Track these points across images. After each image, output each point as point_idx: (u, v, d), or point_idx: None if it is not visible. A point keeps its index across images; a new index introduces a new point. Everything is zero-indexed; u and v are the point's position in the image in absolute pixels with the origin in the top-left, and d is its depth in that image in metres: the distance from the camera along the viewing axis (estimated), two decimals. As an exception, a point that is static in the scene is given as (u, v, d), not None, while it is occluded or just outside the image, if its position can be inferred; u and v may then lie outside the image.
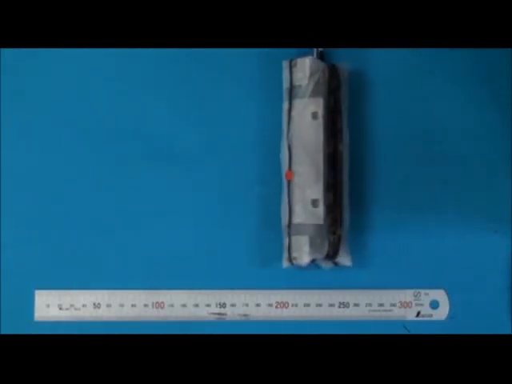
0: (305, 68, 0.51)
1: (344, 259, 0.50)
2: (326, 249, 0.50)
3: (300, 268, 0.50)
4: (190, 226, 0.52)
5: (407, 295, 0.52)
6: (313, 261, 0.50)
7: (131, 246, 0.52)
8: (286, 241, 0.50)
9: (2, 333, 0.51)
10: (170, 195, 0.52)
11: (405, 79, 0.53)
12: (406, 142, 0.53)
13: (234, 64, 0.53)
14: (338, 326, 0.51)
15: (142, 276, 0.52)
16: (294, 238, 0.50)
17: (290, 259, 0.50)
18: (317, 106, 0.50)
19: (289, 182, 0.50)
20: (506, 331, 0.51)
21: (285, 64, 0.51)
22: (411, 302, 0.52)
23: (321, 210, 0.50)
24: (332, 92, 0.51)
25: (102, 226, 0.52)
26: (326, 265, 0.50)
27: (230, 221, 0.52)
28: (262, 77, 0.53)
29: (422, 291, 0.52)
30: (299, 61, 0.51)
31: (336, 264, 0.50)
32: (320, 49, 0.52)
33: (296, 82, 0.51)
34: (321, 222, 0.50)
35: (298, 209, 0.50)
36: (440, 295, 0.52)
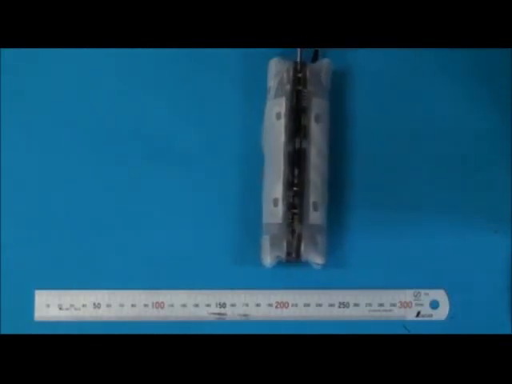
0: (271, 70, 0.51)
1: (314, 257, 0.50)
2: (285, 248, 0.50)
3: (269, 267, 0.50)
4: (190, 225, 0.52)
5: (407, 295, 0.52)
6: (289, 261, 0.50)
7: (131, 246, 0.52)
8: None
9: (2, 333, 0.51)
10: (169, 195, 0.52)
11: (405, 79, 0.53)
12: (405, 142, 0.53)
13: (232, 64, 0.53)
14: (338, 325, 0.51)
15: (141, 276, 0.52)
16: (263, 238, 0.50)
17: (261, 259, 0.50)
18: (280, 106, 0.50)
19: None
20: (506, 331, 0.51)
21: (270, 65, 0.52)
22: (411, 302, 0.52)
23: (280, 208, 0.50)
24: (295, 91, 0.51)
25: (102, 225, 0.52)
26: (317, 264, 0.50)
27: (231, 220, 0.52)
28: (259, 77, 0.53)
29: (422, 291, 0.52)
30: (270, 62, 0.51)
31: (309, 263, 0.50)
32: (304, 49, 0.52)
33: (269, 83, 0.51)
34: (280, 220, 0.50)
35: (264, 209, 0.50)
36: (440, 295, 0.52)
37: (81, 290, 0.52)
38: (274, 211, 0.50)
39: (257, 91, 0.53)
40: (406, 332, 0.51)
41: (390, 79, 0.53)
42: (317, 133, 0.51)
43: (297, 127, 0.50)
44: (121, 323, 0.52)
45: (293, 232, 0.50)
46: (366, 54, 0.53)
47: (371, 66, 0.53)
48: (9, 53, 0.53)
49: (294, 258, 0.50)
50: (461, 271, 0.52)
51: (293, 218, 0.50)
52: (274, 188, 0.50)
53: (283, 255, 0.50)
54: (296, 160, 0.50)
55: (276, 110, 0.51)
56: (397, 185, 0.52)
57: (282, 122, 0.50)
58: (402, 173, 0.53)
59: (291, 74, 0.51)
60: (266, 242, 0.50)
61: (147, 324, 0.52)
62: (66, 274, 0.52)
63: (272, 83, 0.51)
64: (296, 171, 0.50)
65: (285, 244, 0.50)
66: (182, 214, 0.52)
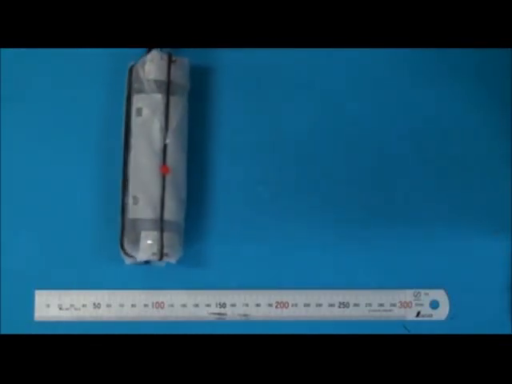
0: (185, 67, 0.51)
1: (176, 255, 0.50)
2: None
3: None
4: (189, 225, 0.52)
5: (407, 295, 0.52)
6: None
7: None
8: (154, 234, 0.49)
9: (2, 333, 0.51)
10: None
11: (405, 79, 0.53)
12: (405, 142, 0.53)
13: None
14: (338, 325, 0.51)
15: (142, 276, 0.52)
16: (166, 235, 0.50)
17: (161, 255, 0.49)
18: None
19: (163, 177, 0.50)
20: (506, 331, 0.51)
21: (158, 56, 0.51)
22: (411, 302, 0.52)
23: (184, 209, 0.51)
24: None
25: (102, 225, 0.52)
26: (159, 262, 0.50)
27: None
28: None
29: (422, 291, 0.52)
30: (179, 59, 0.51)
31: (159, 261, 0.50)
32: (162, 49, 0.51)
33: (174, 79, 0.51)
34: (183, 221, 0.51)
35: (172, 206, 0.50)
36: (440, 295, 0.52)
37: (81, 290, 0.52)
38: (182, 212, 0.51)
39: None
40: (406, 332, 0.51)
41: (390, 79, 0.53)
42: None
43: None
44: (121, 323, 0.52)
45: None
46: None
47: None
48: (9, 53, 0.53)
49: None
50: (461, 271, 0.52)
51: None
52: (184, 187, 0.51)
53: (181, 253, 0.50)
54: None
55: (186, 109, 0.51)
56: (397, 185, 0.52)
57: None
58: (401, 173, 0.53)
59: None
60: (176, 241, 0.50)
61: (147, 324, 0.52)
62: (66, 274, 0.52)
63: (185, 81, 0.51)
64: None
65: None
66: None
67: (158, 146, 0.50)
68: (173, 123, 0.50)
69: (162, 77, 0.50)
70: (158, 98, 0.50)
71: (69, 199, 0.52)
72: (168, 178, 0.50)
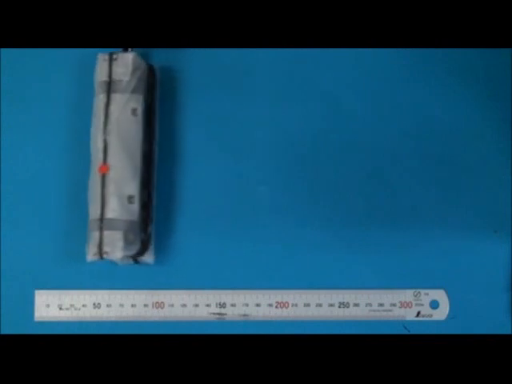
0: (128, 63, 0.51)
1: (147, 257, 0.51)
2: (138, 246, 0.50)
3: (111, 262, 0.50)
4: (190, 225, 0.52)
5: (407, 295, 0.52)
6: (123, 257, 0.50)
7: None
8: (96, 235, 0.50)
9: (2, 333, 0.51)
10: (169, 193, 0.52)
11: (404, 79, 0.53)
12: (405, 141, 0.53)
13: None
14: (338, 325, 0.51)
15: (142, 276, 0.52)
16: (106, 233, 0.49)
17: (101, 254, 0.49)
18: (137, 102, 0.51)
19: (103, 176, 0.50)
20: (506, 331, 0.51)
21: (102, 57, 0.51)
22: (411, 302, 0.52)
23: (136, 206, 0.50)
24: (150, 91, 0.51)
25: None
26: (128, 262, 0.50)
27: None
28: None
29: (422, 291, 0.52)
30: (121, 55, 0.51)
31: (137, 262, 0.51)
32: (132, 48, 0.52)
33: (116, 77, 0.51)
34: (135, 218, 0.50)
35: (112, 203, 0.50)
36: (440, 295, 0.52)
37: (81, 290, 0.52)
38: (129, 208, 0.50)
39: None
40: (406, 332, 0.51)
41: (390, 79, 0.53)
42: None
43: (150, 128, 0.51)
44: (121, 323, 0.52)
45: (144, 231, 0.50)
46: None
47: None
48: (9, 53, 0.53)
49: (138, 255, 0.50)
50: (461, 271, 0.52)
51: (146, 217, 0.51)
52: (130, 185, 0.50)
53: (133, 253, 0.50)
54: (148, 160, 0.51)
55: (132, 105, 0.51)
56: (396, 185, 0.52)
57: (140, 119, 0.50)
58: (401, 173, 0.53)
59: (146, 72, 0.51)
60: (115, 237, 0.49)
61: (147, 324, 0.52)
62: (66, 274, 0.52)
63: (127, 78, 0.51)
64: (147, 171, 0.51)
65: (138, 242, 0.50)
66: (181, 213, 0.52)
67: (100, 145, 0.50)
68: (112, 121, 0.50)
69: (105, 77, 0.51)
70: (101, 98, 0.51)
71: (69, 199, 0.52)
72: (108, 176, 0.50)
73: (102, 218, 0.50)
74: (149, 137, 0.51)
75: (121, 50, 0.51)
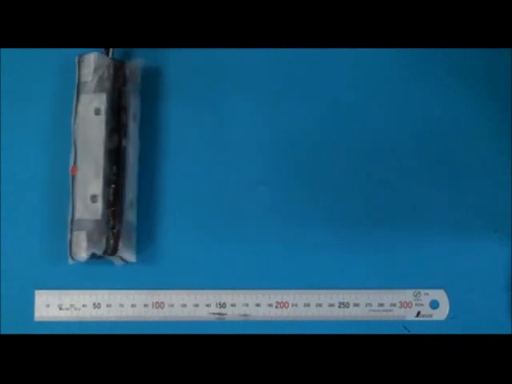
0: (90, 63, 0.51)
1: (127, 255, 0.50)
2: (103, 244, 0.50)
3: (80, 263, 0.50)
4: (190, 225, 0.52)
5: (407, 295, 0.52)
6: (100, 257, 0.50)
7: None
8: (69, 236, 0.50)
9: (2, 333, 0.51)
10: (168, 193, 0.52)
11: (404, 79, 0.53)
12: (405, 142, 0.53)
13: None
14: (338, 325, 0.51)
15: (142, 276, 0.52)
16: (74, 234, 0.50)
17: (72, 255, 0.50)
18: (100, 101, 0.51)
19: (73, 178, 0.51)
20: (506, 331, 0.51)
21: (76, 60, 0.52)
22: (411, 302, 0.52)
23: (99, 205, 0.50)
24: (117, 88, 0.51)
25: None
26: (117, 261, 0.51)
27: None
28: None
29: (422, 291, 0.52)
30: (86, 57, 0.51)
31: (124, 261, 0.51)
32: (111, 48, 0.52)
33: (83, 78, 0.51)
34: (99, 217, 0.50)
35: (78, 204, 0.50)
36: (440, 295, 0.52)
37: (81, 289, 0.52)
38: (92, 207, 0.50)
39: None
40: (406, 332, 0.51)
41: (390, 79, 0.53)
42: (134, 131, 0.51)
43: (116, 125, 0.51)
44: (121, 323, 0.52)
45: (111, 229, 0.50)
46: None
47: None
48: (9, 53, 0.53)
49: (107, 255, 0.50)
50: (461, 271, 0.52)
51: (112, 215, 0.50)
52: (93, 184, 0.50)
53: (100, 252, 0.50)
54: (115, 158, 0.50)
55: (95, 104, 0.51)
56: (396, 184, 0.52)
57: (103, 118, 0.50)
58: (401, 173, 0.53)
59: (112, 70, 0.51)
60: (80, 237, 0.50)
61: (147, 324, 0.52)
62: (66, 274, 0.52)
63: (90, 78, 0.51)
64: (115, 169, 0.50)
65: (104, 241, 0.50)
66: (180, 213, 0.52)
67: (72, 148, 0.51)
68: (77, 122, 0.51)
69: (76, 79, 0.51)
70: (74, 100, 0.51)
71: (68, 199, 0.52)
72: (76, 177, 0.50)
73: (72, 220, 0.50)
74: (117, 134, 0.51)
75: (103, 50, 0.51)
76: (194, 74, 0.54)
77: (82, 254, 0.49)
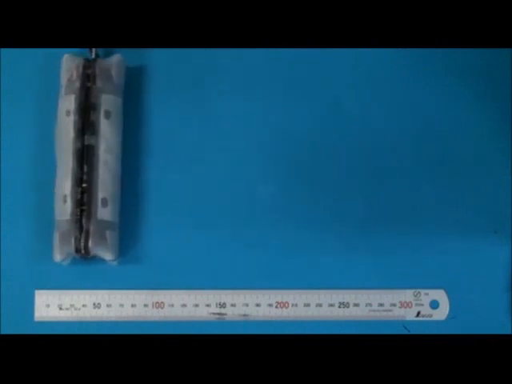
0: (63, 66, 0.51)
1: (103, 254, 0.50)
2: (73, 244, 0.50)
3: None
4: (190, 225, 0.52)
5: (407, 295, 0.52)
6: (83, 257, 0.50)
7: (131, 246, 0.52)
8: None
9: (2, 333, 0.51)
10: (168, 192, 0.53)
11: (404, 79, 0.53)
12: (405, 142, 0.53)
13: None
14: (338, 325, 0.51)
15: (142, 276, 0.52)
16: (53, 235, 0.50)
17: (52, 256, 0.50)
18: (69, 102, 0.51)
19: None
20: (506, 331, 0.51)
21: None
22: (411, 302, 0.52)
23: (68, 205, 0.50)
24: (85, 87, 0.51)
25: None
26: (111, 261, 0.51)
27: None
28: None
29: (422, 291, 0.52)
30: (61, 60, 0.52)
31: (102, 260, 0.51)
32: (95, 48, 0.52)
33: (61, 81, 0.52)
34: (68, 217, 0.50)
35: (55, 206, 0.51)
36: (440, 295, 0.52)
37: (81, 289, 0.52)
38: (63, 208, 0.50)
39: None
40: (406, 332, 0.51)
41: (390, 79, 0.53)
42: (106, 129, 0.51)
43: (85, 124, 0.51)
44: (121, 323, 0.52)
45: (81, 228, 0.50)
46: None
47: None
48: (9, 53, 0.53)
49: (83, 254, 0.50)
50: (461, 271, 0.52)
51: (81, 215, 0.50)
52: (63, 184, 0.50)
53: (72, 252, 0.50)
54: (85, 156, 0.50)
55: (66, 106, 0.51)
56: (396, 185, 0.52)
57: (72, 118, 0.51)
58: (401, 173, 0.53)
59: (80, 70, 0.51)
60: (55, 238, 0.50)
61: (147, 324, 0.52)
62: (66, 274, 0.52)
63: (62, 80, 0.51)
64: (85, 168, 0.50)
65: (73, 240, 0.50)
66: (181, 212, 0.52)
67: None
68: (56, 125, 0.51)
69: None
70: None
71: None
72: (55, 180, 0.51)
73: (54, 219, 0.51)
74: (85, 133, 0.51)
75: (87, 50, 0.52)
76: (193, 74, 0.54)
77: (56, 255, 0.50)
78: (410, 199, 0.52)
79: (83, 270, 0.52)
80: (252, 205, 0.52)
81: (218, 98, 0.53)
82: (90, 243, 0.50)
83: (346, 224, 0.52)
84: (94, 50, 0.52)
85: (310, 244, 0.52)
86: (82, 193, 0.50)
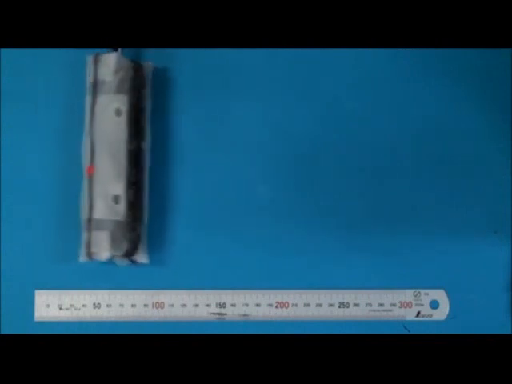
0: (109, 64, 0.51)
1: (141, 257, 0.51)
2: (125, 246, 0.50)
3: (99, 263, 0.50)
4: (190, 225, 0.52)
5: (407, 295, 0.52)
6: (111, 257, 0.50)
7: (131, 246, 0.52)
8: (85, 235, 0.50)
9: (2, 333, 0.51)
10: (168, 193, 0.52)
11: (404, 79, 0.53)
12: (405, 142, 0.53)
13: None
14: (338, 325, 0.51)
15: (142, 276, 0.52)
16: (93, 233, 0.50)
17: (90, 254, 0.50)
18: (121, 102, 0.51)
19: (90, 177, 0.50)
20: (506, 331, 0.51)
21: (90, 59, 0.51)
22: (411, 302, 0.52)
23: (122, 206, 0.50)
24: (136, 90, 0.51)
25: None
26: (122, 262, 0.51)
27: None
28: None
29: (422, 291, 0.52)
30: (104, 56, 0.51)
31: (133, 262, 0.51)
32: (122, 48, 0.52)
33: (100, 77, 0.51)
34: (121, 218, 0.50)
35: (98, 204, 0.50)
36: (440, 295, 0.52)
37: (81, 289, 0.52)
38: (115, 208, 0.50)
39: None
40: (406, 332, 0.51)
41: (390, 79, 0.53)
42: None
43: (136, 127, 0.51)
44: (121, 323, 0.52)
45: (132, 231, 0.50)
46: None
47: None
48: (9, 53, 0.53)
49: (128, 256, 0.50)
50: (461, 271, 0.52)
51: (133, 217, 0.50)
52: (114, 185, 0.50)
53: (121, 253, 0.50)
54: (135, 159, 0.51)
55: (115, 105, 0.51)
56: (396, 185, 0.52)
57: (124, 119, 0.51)
58: (401, 173, 0.53)
59: (132, 72, 0.51)
60: (101, 237, 0.50)
61: (147, 324, 0.52)
62: (66, 274, 0.52)
63: (110, 78, 0.51)
64: (134, 170, 0.51)
65: (125, 242, 0.50)
66: (180, 213, 0.52)
67: (87, 147, 0.51)
68: (96, 122, 0.51)
69: (91, 78, 0.51)
70: (88, 99, 0.51)
71: (69, 199, 0.52)
72: (95, 177, 0.50)
73: (90, 219, 0.50)
74: (136, 136, 0.51)
75: (111, 50, 0.51)
76: (191, 74, 0.54)
77: (104, 254, 0.50)
78: (409, 199, 0.52)
79: (83, 269, 0.52)
80: (252, 205, 0.52)
81: (218, 98, 0.53)
82: (140, 247, 0.50)
83: (345, 224, 0.52)
84: (119, 49, 0.51)
85: (310, 244, 0.52)
86: (134, 195, 0.50)
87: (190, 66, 0.54)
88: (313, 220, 0.52)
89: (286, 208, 0.52)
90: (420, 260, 0.52)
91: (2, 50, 0.53)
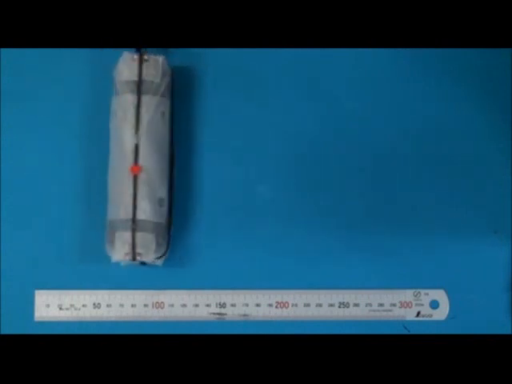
0: (158, 66, 0.51)
1: (160, 260, 0.51)
2: (163, 249, 0.50)
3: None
4: (190, 225, 0.52)
5: (407, 295, 0.52)
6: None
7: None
8: (126, 235, 0.50)
9: (2, 333, 0.51)
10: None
11: (404, 79, 0.53)
12: (405, 141, 0.53)
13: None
14: (338, 326, 0.51)
15: (141, 276, 0.52)
16: (139, 235, 0.50)
17: (134, 255, 0.49)
18: (165, 106, 0.51)
19: (134, 177, 0.50)
20: (506, 331, 0.51)
21: (129, 56, 0.51)
22: (411, 302, 0.52)
23: (165, 209, 0.50)
24: (172, 95, 0.52)
25: (102, 225, 0.52)
26: (135, 263, 0.50)
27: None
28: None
29: (422, 291, 0.52)
30: (152, 57, 0.51)
31: (144, 263, 0.51)
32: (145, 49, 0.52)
33: (147, 78, 0.51)
34: (163, 221, 0.50)
35: (144, 205, 0.50)
36: (440, 295, 0.52)
37: (81, 289, 0.52)
38: (159, 211, 0.50)
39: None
40: (406, 332, 0.51)
41: (390, 79, 0.53)
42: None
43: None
44: (121, 323, 0.52)
45: (168, 233, 0.51)
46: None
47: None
48: (9, 53, 0.53)
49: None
50: (461, 271, 0.52)
51: (169, 221, 0.51)
52: (161, 187, 0.50)
53: (161, 255, 0.50)
54: (172, 163, 0.52)
55: (162, 108, 0.51)
56: (397, 185, 0.52)
57: (167, 122, 0.51)
58: (401, 173, 0.53)
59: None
60: (148, 239, 0.50)
61: (147, 324, 0.52)
62: (66, 274, 0.52)
63: (157, 80, 0.50)
64: (172, 174, 0.52)
65: (165, 244, 0.51)
66: (181, 212, 0.52)
67: (129, 146, 0.50)
68: (143, 123, 0.50)
69: (134, 77, 0.50)
70: (130, 98, 0.50)
71: (68, 199, 0.52)
72: (140, 177, 0.50)
73: (134, 219, 0.50)
74: (172, 140, 0.52)
75: (134, 50, 0.51)
76: (191, 74, 0.54)
77: (150, 256, 0.50)
78: (409, 199, 0.52)
79: (83, 269, 0.52)
80: (252, 205, 0.52)
81: (217, 99, 0.53)
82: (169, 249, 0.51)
83: (345, 224, 0.52)
84: (144, 50, 0.51)
85: (310, 244, 0.52)
86: (171, 199, 0.51)
87: (189, 66, 0.54)
88: (313, 220, 0.52)
89: (286, 208, 0.52)
90: (420, 260, 0.52)
91: (2, 50, 0.53)
